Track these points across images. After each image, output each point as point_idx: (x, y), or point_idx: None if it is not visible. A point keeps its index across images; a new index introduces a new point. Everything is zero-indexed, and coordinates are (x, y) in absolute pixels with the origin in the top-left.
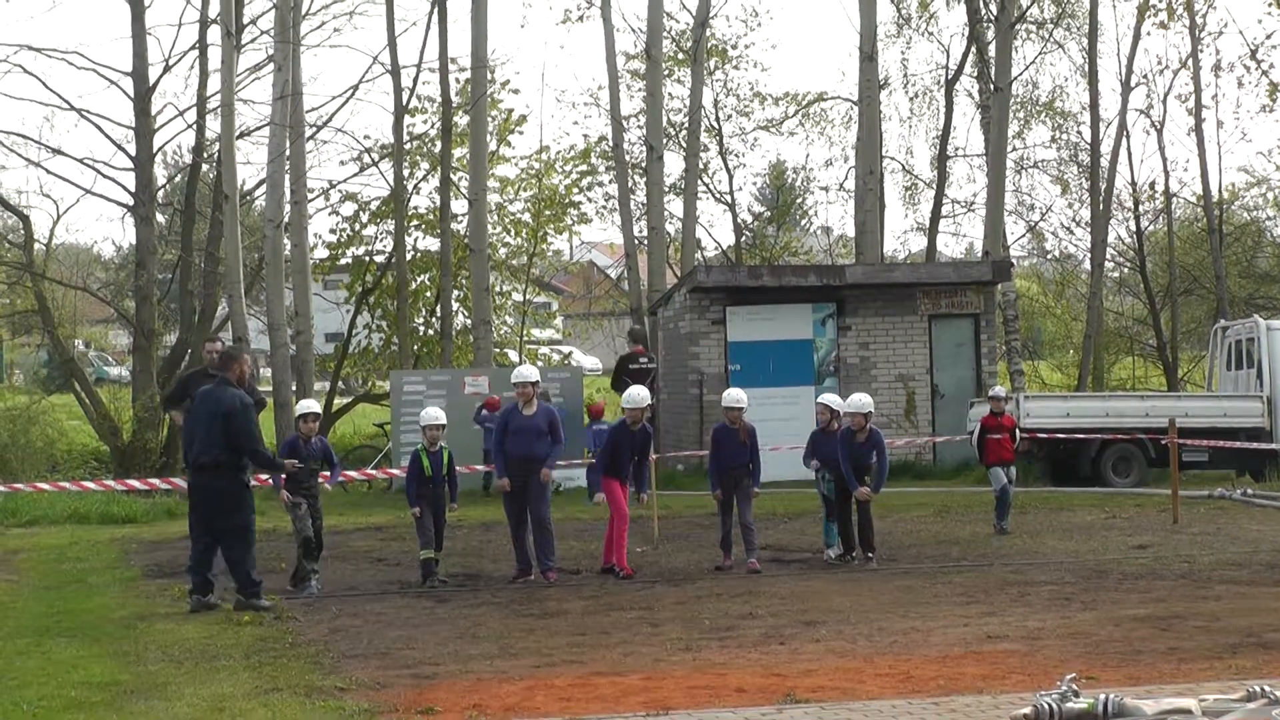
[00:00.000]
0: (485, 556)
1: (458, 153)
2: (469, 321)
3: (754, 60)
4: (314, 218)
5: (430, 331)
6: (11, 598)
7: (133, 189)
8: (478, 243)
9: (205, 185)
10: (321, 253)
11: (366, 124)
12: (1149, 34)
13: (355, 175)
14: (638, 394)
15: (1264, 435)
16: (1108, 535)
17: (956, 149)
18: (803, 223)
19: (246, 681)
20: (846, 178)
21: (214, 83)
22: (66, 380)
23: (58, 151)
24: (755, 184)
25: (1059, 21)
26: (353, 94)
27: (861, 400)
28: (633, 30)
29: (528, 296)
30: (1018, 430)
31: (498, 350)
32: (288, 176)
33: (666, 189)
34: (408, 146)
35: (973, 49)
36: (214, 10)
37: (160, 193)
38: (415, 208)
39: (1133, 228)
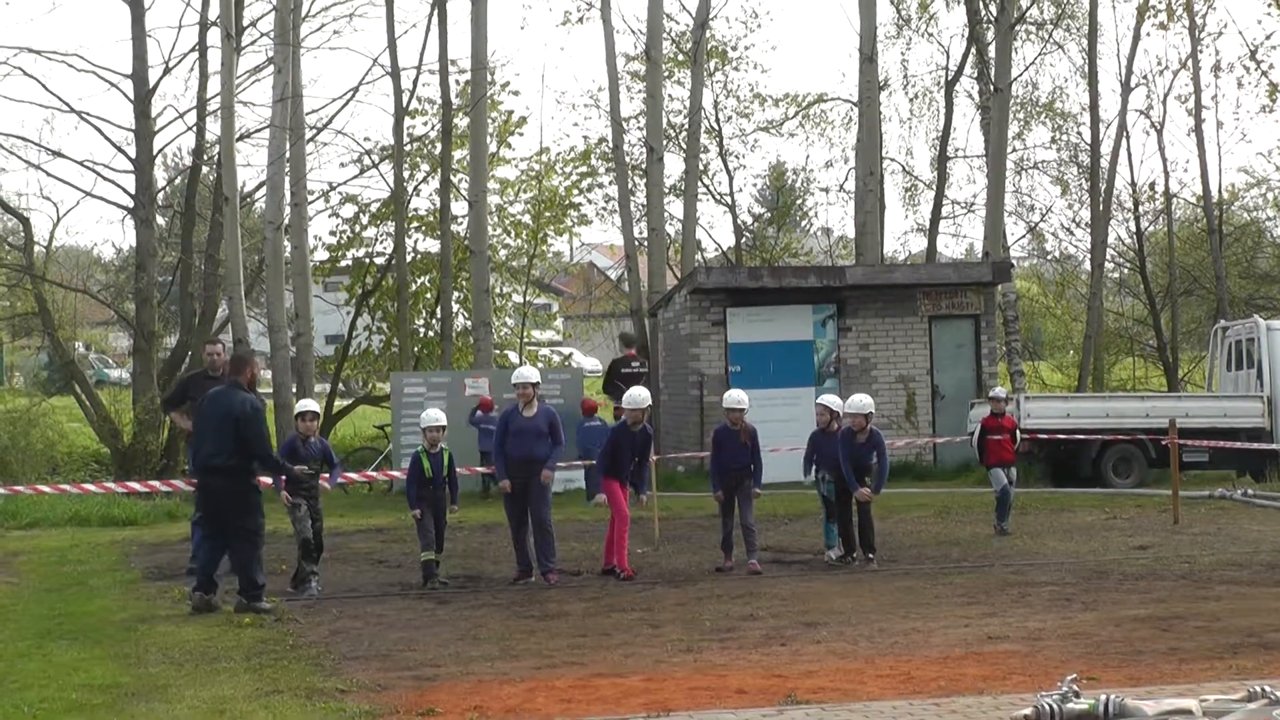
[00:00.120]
0: (486, 558)
1: (458, 154)
2: (469, 323)
3: (754, 62)
4: (314, 220)
5: (430, 333)
6: (12, 600)
7: (133, 191)
8: (478, 244)
9: (205, 187)
10: (321, 255)
11: (366, 126)
12: (1149, 35)
13: (355, 177)
14: (639, 395)
15: (1264, 435)
16: (1108, 536)
17: (956, 150)
18: (803, 224)
19: (247, 684)
20: (846, 179)
21: (214, 85)
22: (67, 382)
23: (58, 154)
24: (755, 185)
25: (1059, 22)
26: (353, 96)
27: (862, 401)
28: (632, 32)
29: (528, 298)
30: (1018, 431)
31: (498, 352)
32: (288, 178)
33: (666, 190)
34: (408, 148)
35: (972, 50)
36: (214, 12)
37: (160, 195)
38: (415, 209)
39: (1133, 228)
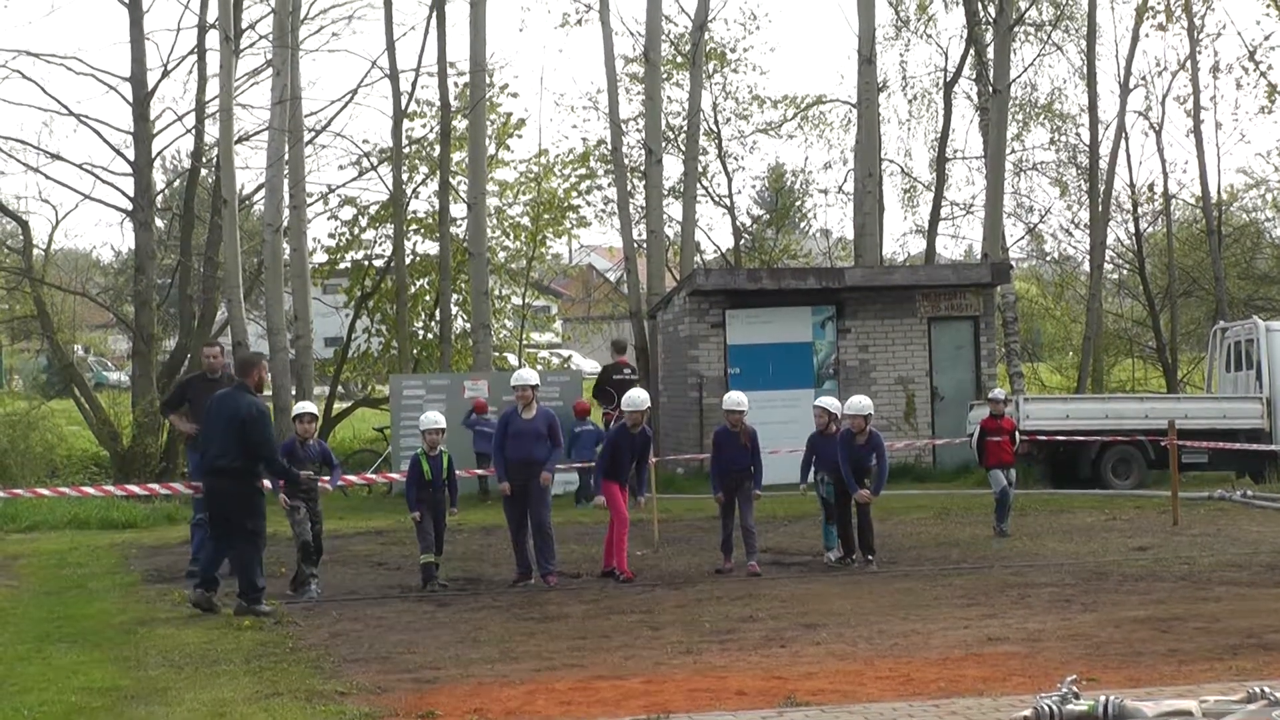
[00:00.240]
0: (485, 560)
1: (456, 157)
2: (468, 325)
3: (753, 63)
4: (313, 222)
5: (429, 335)
6: (12, 603)
7: (131, 194)
8: (477, 246)
9: (204, 190)
10: (320, 257)
11: (365, 128)
12: (1147, 35)
13: (354, 179)
14: (638, 397)
15: (1263, 436)
16: (1108, 537)
17: (955, 151)
18: (802, 225)
19: (247, 686)
20: (845, 180)
21: (212, 87)
22: (66, 385)
23: (56, 157)
24: (754, 187)
25: (1057, 23)
26: (351, 98)
27: (861, 402)
28: (631, 34)
29: (527, 300)
30: (1017, 432)
31: (497, 354)
32: (286, 181)
33: (665, 192)
34: (406, 150)
35: (971, 51)
36: (212, 15)
37: (159, 198)
38: (414, 212)
39: (1132, 229)
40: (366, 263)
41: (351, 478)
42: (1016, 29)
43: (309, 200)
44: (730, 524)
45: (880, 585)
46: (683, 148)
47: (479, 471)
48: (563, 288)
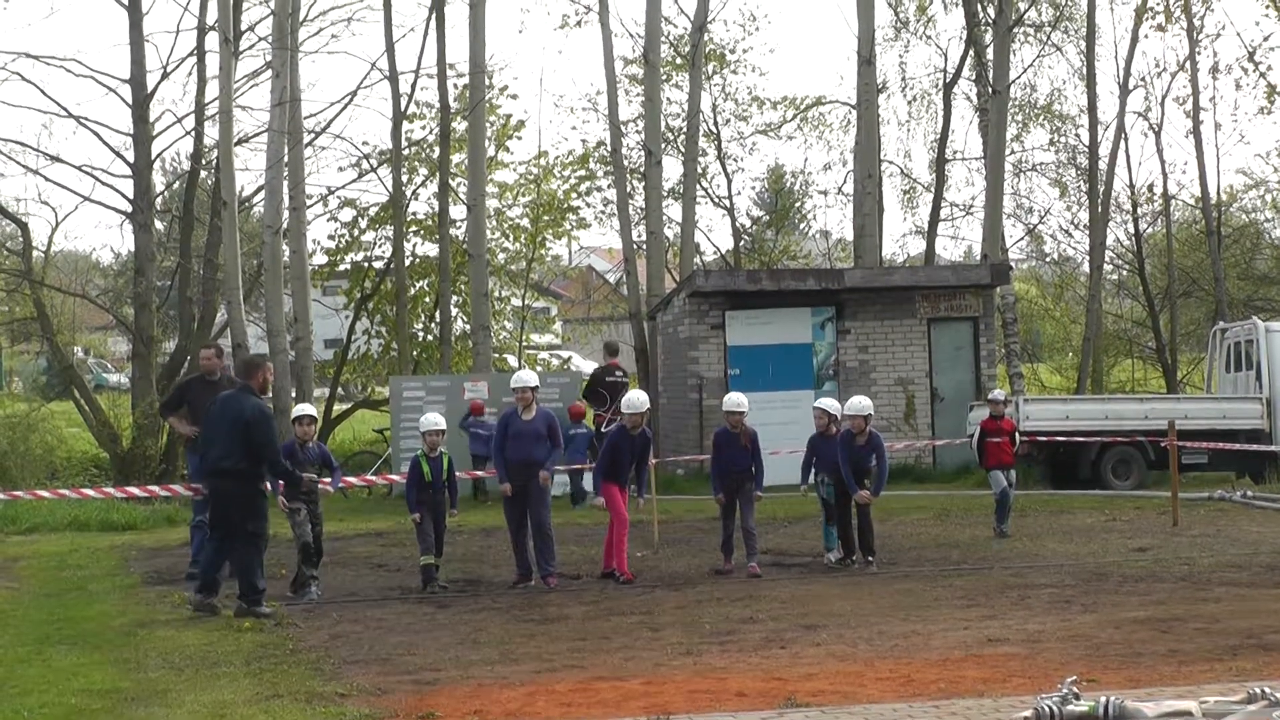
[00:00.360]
0: (485, 562)
1: (456, 158)
2: (468, 327)
3: (752, 65)
4: (313, 224)
5: (429, 337)
6: (12, 605)
7: (131, 196)
8: (476, 248)
9: (204, 192)
10: (320, 259)
11: (365, 130)
12: (1146, 36)
13: (354, 181)
14: (638, 399)
15: (1263, 437)
16: (1108, 538)
17: (955, 152)
18: (801, 226)
19: (247, 688)
20: (845, 181)
21: (212, 89)
22: (66, 387)
23: (56, 159)
24: (754, 188)
25: (1057, 24)
26: (351, 100)
27: (861, 403)
28: (631, 35)
29: (526, 301)
30: (1017, 433)
31: (497, 355)
32: (286, 183)
33: (665, 193)
34: (406, 152)
35: (971, 52)
36: (212, 17)
37: (159, 199)
38: (414, 213)
39: (1131, 230)
40: (366, 264)
41: (351, 479)
42: (1016, 30)
43: (309, 202)
44: (731, 525)
45: (880, 586)
46: (682, 149)
47: (479, 474)
48: (562, 289)
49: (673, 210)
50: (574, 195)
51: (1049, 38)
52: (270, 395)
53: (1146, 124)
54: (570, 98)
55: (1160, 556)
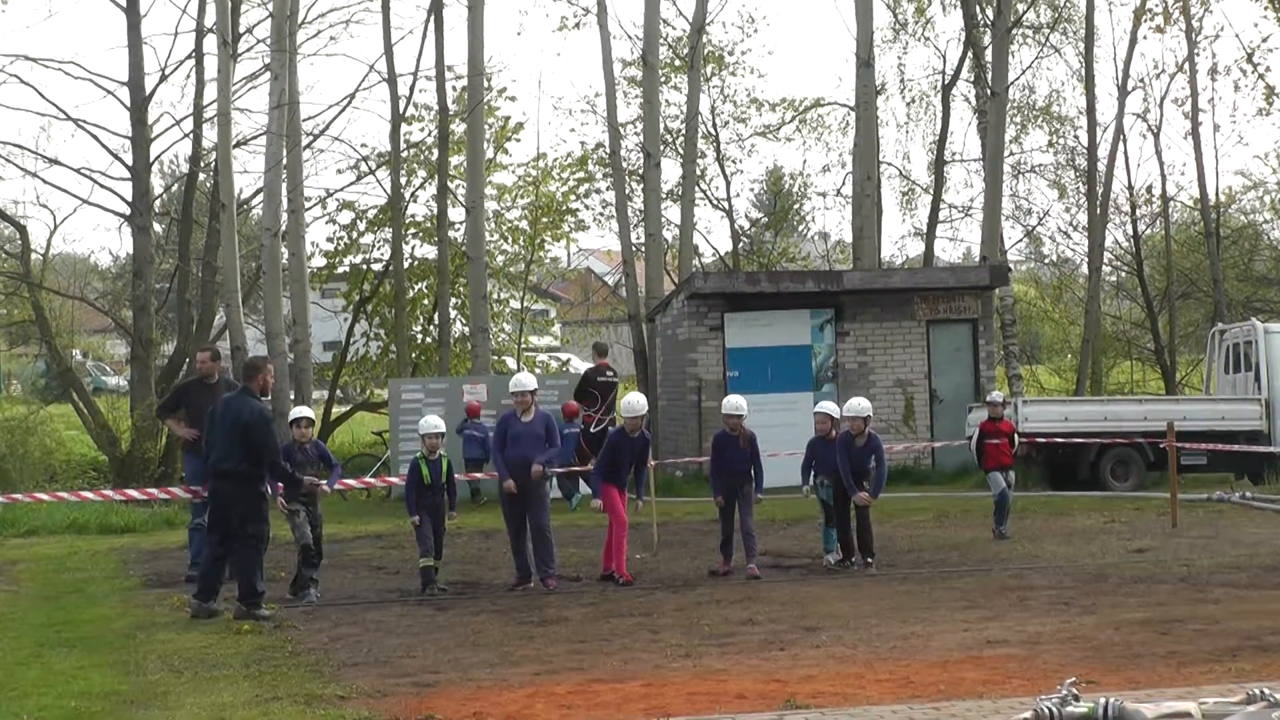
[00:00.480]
0: (485, 564)
1: (455, 160)
2: (467, 329)
3: (751, 67)
4: (311, 226)
5: (428, 339)
6: (11, 608)
7: (130, 198)
8: (475, 250)
9: (202, 194)
10: (319, 261)
11: (363, 132)
12: (1145, 38)
13: (352, 184)
14: (636, 402)
15: (1262, 438)
16: (1107, 539)
17: (954, 154)
18: (800, 228)
19: (246, 690)
20: (844, 183)
21: (210, 92)
22: (64, 390)
23: (54, 161)
24: (753, 190)
25: (1055, 26)
26: (349, 102)
27: (860, 404)
28: (629, 37)
29: (525, 304)
30: (1016, 435)
31: (495, 358)
32: (285, 185)
33: (664, 195)
34: (405, 154)
35: (969, 54)
36: (210, 19)
37: (157, 202)
38: (412, 216)
39: (1130, 231)
40: (365, 267)
41: (350, 481)
42: (1014, 31)
43: (307, 204)
44: (730, 527)
45: (880, 588)
46: (681, 151)
47: (478, 475)
48: (561, 291)
49: (671, 212)
50: (573, 197)
51: (1047, 39)
52: (270, 398)
53: (1145, 125)
54: (569, 100)
55: (1159, 558)
